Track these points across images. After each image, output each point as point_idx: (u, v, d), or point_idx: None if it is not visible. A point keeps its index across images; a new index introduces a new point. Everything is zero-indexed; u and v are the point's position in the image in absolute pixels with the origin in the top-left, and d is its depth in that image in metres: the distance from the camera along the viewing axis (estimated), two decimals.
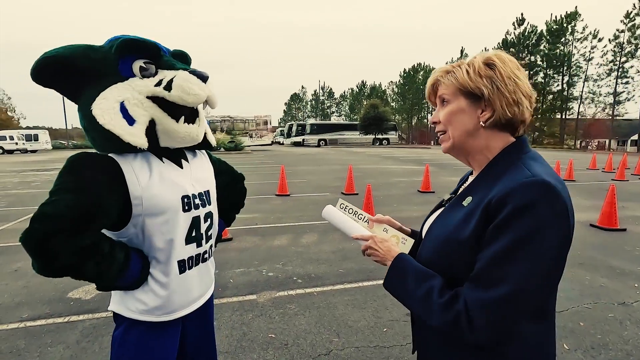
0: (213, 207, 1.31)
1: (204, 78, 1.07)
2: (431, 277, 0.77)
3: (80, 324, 2.58)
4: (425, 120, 60.07)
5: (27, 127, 43.74)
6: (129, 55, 1.03)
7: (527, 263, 0.65)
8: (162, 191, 1.07)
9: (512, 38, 43.79)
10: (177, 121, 1.08)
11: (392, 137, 38.80)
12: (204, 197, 1.24)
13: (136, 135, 1.00)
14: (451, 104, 0.82)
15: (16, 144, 28.07)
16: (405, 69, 59.52)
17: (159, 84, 1.04)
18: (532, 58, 42.59)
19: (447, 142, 0.84)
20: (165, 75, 1.06)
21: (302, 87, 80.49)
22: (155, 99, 1.04)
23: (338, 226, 1.08)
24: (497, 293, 0.65)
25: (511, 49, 43.59)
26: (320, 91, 75.78)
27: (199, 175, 1.25)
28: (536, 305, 0.70)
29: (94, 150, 1.05)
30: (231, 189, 1.54)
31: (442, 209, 0.90)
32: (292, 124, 41.10)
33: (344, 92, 74.92)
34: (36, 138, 31.07)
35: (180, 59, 1.17)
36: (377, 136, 37.81)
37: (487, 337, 0.67)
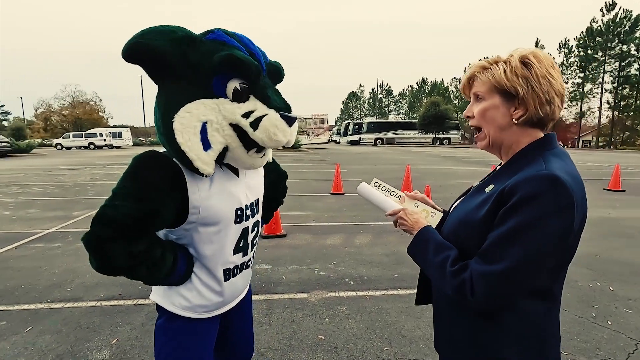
0: (259, 216, 1.30)
1: (291, 122, 1.04)
2: (448, 248, 0.87)
3: (146, 308, 2.78)
4: None
5: (113, 126, 49.29)
6: (228, 72, 0.97)
7: (526, 246, 0.72)
8: (219, 203, 1.08)
9: (599, 26, 38.86)
10: (248, 152, 1.05)
11: (453, 137, 36.80)
12: (254, 207, 1.24)
13: (207, 163, 0.97)
14: (486, 100, 0.86)
15: (104, 140, 31.76)
16: (470, 64, 56.03)
17: (246, 115, 0.99)
18: (625, 47, 37.42)
19: (484, 140, 0.90)
20: (256, 107, 1.00)
21: (360, 86, 79.73)
22: (236, 127, 1.00)
23: (372, 201, 1.16)
24: (496, 268, 0.74)
25: (597, 38, 38.78)
26: (379, 89, 74.57)
27: (252, 183, 1.24)
28: (531, 284, 0.77)
29: (161, 149, 1.05)
30: (275, 187, 1.52)
31: (469, 193, 0.99)
32: (348, 123, 40.99)
33: (403, 90, 72.83)
34: (120, 135, 34.93)
35: (274, 76, 1.12)
36: (437, 135, 36.15)
37: (484, 303, 0.77)
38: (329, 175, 9.47)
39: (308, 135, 29.89)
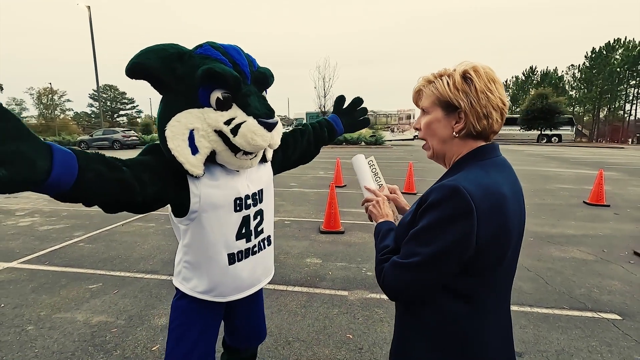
0: (264, 205, 1.39)
1: (270, 127, 1.13)
2: (389, 241, 0.96)
3: None
4: (621, 112, 46.48)
5: None
6: (210, 84, 1.08)
7: (424, 245, 0.80)
8: (217, 193, 1.21)
9: None
10: (236, 155, 1.17)
11: (565, 133, 31.70)
12: (257, 197, 1.34)
13: (195, 166, 1.12)
14: (430, 114, 0.91)
15: None
16: (594, 48, 47.25)
17: (228, 122, 1.11)
18: None
19: (429, 150, 0.97)
20: (236, 115, 1.11)
21: (422, 77, 74.13)
22: (220, 133, 1.13)
23: (359, 174, 1.25)
24: (401, 261, 0.83)
25: None
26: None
27: (253, 176, 1.35)
28: (431, 280, 0.82)
29: None
30: (298, 143, 1.67)
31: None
32: None
33: (506, 81, 65.41)
34: None
35: (261, 83, 1.22)
36: (543, 132, 31.66)
37: (388, 289, 0.87)
38: (405, 174, 9.16)
39: (392, 131, 29.18)
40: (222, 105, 1.11)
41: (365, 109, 1.90)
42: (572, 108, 48.01)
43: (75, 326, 2.52)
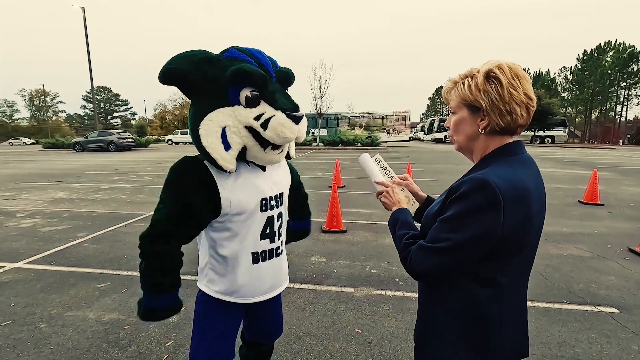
0: (284, 208, 1.46)
1: (297, 120, 1.19)
2: (411, 228, 1.05)
3: None
4: (612, 114, 47.16)
5: None
6: (239, 83, 1.15)
7: (451, 233, 0.86)
8: (245, 194, 1.27)
9: None
10: (265, 150, 1.23)
11: (558, 134, 32.18)
12: (279, 199, 1.40)
13: (228, 161, 1.18)
14: (457, 114, 0.98)
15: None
16: (585, 51, 47.96)
17: (257, 118, 1.17)
18: None
19: (455, 144, 1.04)
20: (265, 110, 1.18)
21: (450, 79, 74.65)
22: (251, 129, 1.19)
23: (368, 171, 1.33)
24: (429, 245, 0.89)
25: None
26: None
27: (277, 178, 1.41)
28: (457, 264, 0.88)
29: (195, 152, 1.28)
30: (297, 192, 1.70)
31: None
32: (433, 119, 39.01)
33: None
34: None
35: (284, 81, 1.29)
36: (537, 133, 32.08)
37: (414, 270, 0.92)
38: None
39: (388, 132, 29.33)
40: (251, 103, 1.18)
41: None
42: (564, 109, 48.64)
43: (88, 324, 2.56)
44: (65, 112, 68.91)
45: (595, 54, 46.33)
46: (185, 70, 1.14)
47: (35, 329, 2.48)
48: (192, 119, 1.22)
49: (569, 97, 50.75)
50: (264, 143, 1.21)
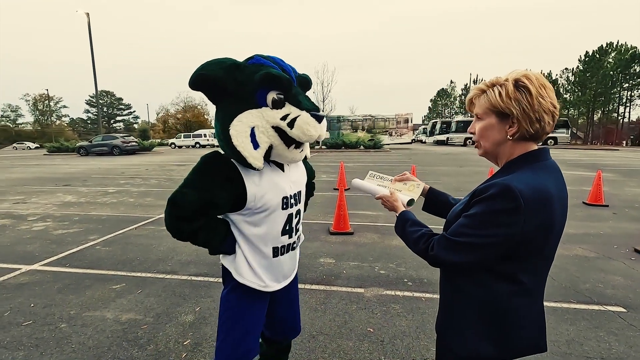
0: (301, 205, 1.56)
1: (320, 119, 1.28)
2: (422, 225, 1.14)
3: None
4: (615, 115, 47.05)
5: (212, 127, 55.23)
6: (267, 86, 1.23)
7: (471, 229, 0.93)
8: (270, 192, 1.35)
9: None
10: (289, 148, 1.31)
11: (560, 136, 32.06)
12: (297, 197, 1.49)
13: (257, 159, 1.26)
14: (484, 120, 1.01)
15: (207, 140, 35.98)
16: (587, 52, 47.90)
17: (284, 118, 1.26)
18: None
19: (480, 149, 1.08)
20: (291, 111, 1.27)
21: (451, 82, 74.48)
22: (277, 129, 1.27)
23: (365, 191, 1.47)
24: (451, 237, 0.97)
25: None
26: (472, 85, 69.03)
27: (294, 178, 1.49)
28: (476, 259, 0.95)
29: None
30: (310, 186, 1.77)
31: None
32: (435, 122, 39.03)
33: None
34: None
35: (304, 85, 1.38)
36: None
37: (435, 257, 1.00)
38: None
39: (390, 135, 29.38)
40: (277, 104, 1.26)
41: None
42: (566, 111, 48.55)
43: (107, 323, 2.62)
44: (68, 116, 69.35)
45: (597, 55, 46.23)
46: (217, 76, 1.23)
47: (56, 329, 2.55)
48: (221, 121, 1.29)
49: (571, 99, 50.62)
50: (288, 142, 1.29)
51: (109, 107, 67.57)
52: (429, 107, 78.72)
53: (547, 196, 0.91)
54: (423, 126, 48.35)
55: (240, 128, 1.24)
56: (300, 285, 3.24)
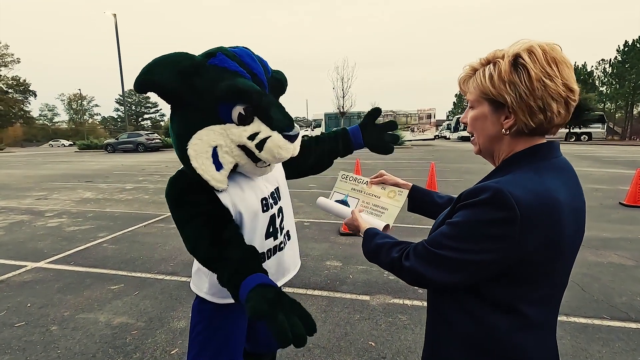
0: (283, 202, 1.37)
1: (293, 139, 1.10)
2: (390, 237, 0.94)
3: None
4: None
5: None
6: (231, 101, 1.03)
7: (455, 242, 0.73)
8: (248, 197, 1.19)
9: None
10: (256, 164, 1.14)
11: (596, 131, 30.24)
12: (275, 195, 1.33)
13: (220, 181, 1.09)
14: (476, 108, 0.80)
15: None
16: (627, 42, 44.88)
17: (252, 137, 1.06)
18: None
19: (475, 146, 0.86)
20: (260, 130, 1.06)
21: (468, 65, 72.12)
22: (243, 147, 1.08)
23: (331, 212, 1.33)
24: (429, 247, 0.77)
25: None
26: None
27: (267, 176, 1.31)
28: (456, 276, 0.74)
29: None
30: (312, 150, 1.53)
31: None
32: (459, 117, 37.81)
33: None
34: None
35: (277, 89, 1.19)
36: (572, 130, 30.34)
37: (411, 271, 0.79)
38: (426, 174, 8.94)
39: (413, 131, 28.65)
40: (244, 120, 1.06)
41: (397, 137, 1.61)
42: (602, 105, 45.85)
43: (97, 327, 2.54)
44: (100, 114, 72.44)
45: (638, 45, 43.22)
46: (167, 82, 1.00)
47: (47, 332, 2.49)
48: (177, 137, 1.10)
49: (608, 92, 47.67)
50: (256, 159, 1.12)
51: (137, 106, 69.87)
52: (454, 102, 76.55)
53: (553, 204, 0.69)
54: (447, 122, 46.98)
55: (199, 148, 1.05)
56: (302, 291, 3.08)
